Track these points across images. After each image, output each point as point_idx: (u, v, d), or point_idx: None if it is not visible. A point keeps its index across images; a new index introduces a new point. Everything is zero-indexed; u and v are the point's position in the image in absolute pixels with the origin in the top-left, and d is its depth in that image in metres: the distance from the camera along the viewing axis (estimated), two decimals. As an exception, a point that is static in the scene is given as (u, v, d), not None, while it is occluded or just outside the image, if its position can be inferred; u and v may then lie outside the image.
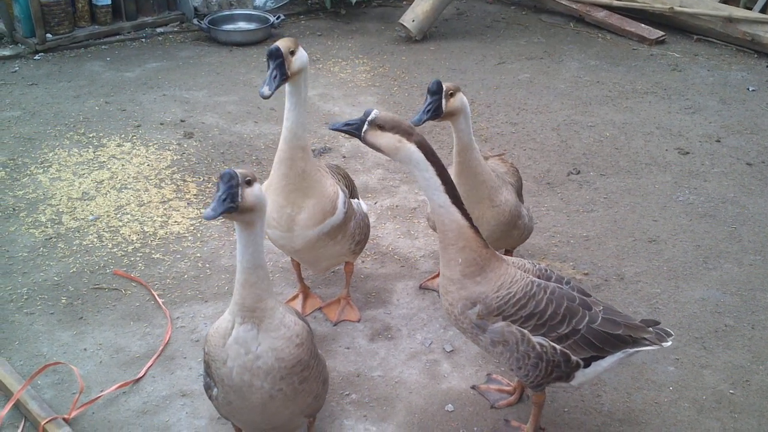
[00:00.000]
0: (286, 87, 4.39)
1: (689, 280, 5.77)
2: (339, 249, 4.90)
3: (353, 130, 3.71)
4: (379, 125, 3.67)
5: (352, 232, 4.89)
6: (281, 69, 4.20)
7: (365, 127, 3.68)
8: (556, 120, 8.33)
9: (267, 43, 4.29)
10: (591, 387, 4.75)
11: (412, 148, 3.64)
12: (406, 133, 3.65)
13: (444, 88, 4.46)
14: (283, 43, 4.24)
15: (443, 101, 4.48)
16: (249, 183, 3.24)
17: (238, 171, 3.22)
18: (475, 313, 3.85)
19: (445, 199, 3.73)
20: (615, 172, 7.30)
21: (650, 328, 4.08)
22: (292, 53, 4.25)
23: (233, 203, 3.16)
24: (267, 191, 4.70)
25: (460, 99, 4.57)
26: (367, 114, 3.69)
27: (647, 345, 4.04)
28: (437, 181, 3.69)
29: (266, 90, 4.17)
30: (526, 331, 3.85)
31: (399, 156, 3.68)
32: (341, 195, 4.73)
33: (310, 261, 5.04)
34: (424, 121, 4.49)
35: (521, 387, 4.64)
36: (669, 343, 4.09)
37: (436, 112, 4.49)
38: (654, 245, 6.18)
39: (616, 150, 7.71)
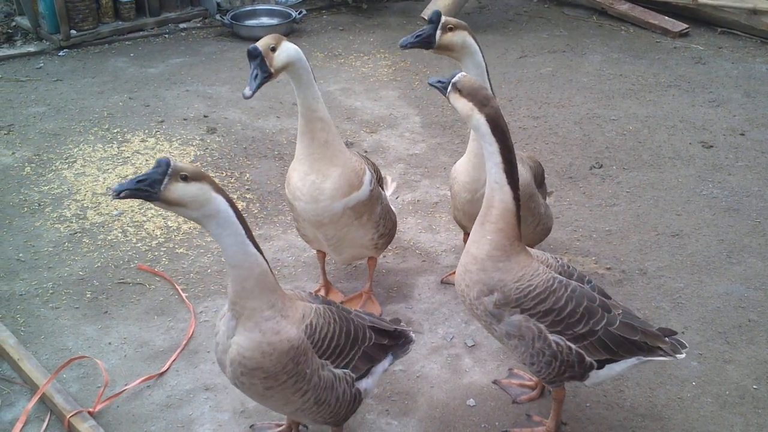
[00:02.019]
0: (290, 79, 4.42)
1: (713, 275, 5.73)
2: (363, 234, 4.90)
3: (441, 88, 3.87)
4: (459, 89, 3.76)
5: (377, 220, 4.90)
6: (262, 67, 4.21)
7: (449, 88, 3.81)
8: (578, 114, 8.30)
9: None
10: (613, 382, 4.74)
11: (481, 120, 3.70)
12: (480, 104, 3.70)
13: (443, 20, 4.51)
14: (261, 41, 4.25)
15: (437, 32, 4.53)
16: (185, 179, 3.10)
17: (178, 164, 3.12)
18: (491, 301, 3.85)
19: (501, 177, 3.76)
20: (638, 165, 7.26)
21: (666, 338, 4.06)
22: (273, 49, 4.24)
23: (152, 189, 3.05)
24: (294, 164, 4.73)
25: (462, 37, 4.57)
26: (453, 76, 3.80)
27: (662, 355, 4.02)
28: (498, 158, 3.73)
29: (247, 90, 4.19)
30: (543, 327, 3.84)
31: (470, 123, 3.79)
32: (368, 173, 4.76)
33: (334, 243, 4.99)
34: (409, 45, 4.57)
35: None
36: (683, 355, 4.06)
37: (426, 40, 4.55)
38: (677, 239, 6.15)
39: (639, 144, 7.67)
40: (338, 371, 3.75)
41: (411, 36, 4.59)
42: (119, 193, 3.04)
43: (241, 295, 3.44)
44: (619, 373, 4.07)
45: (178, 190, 3.10)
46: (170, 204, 3.14)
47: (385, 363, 4.09)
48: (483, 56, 4.70)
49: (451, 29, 4.54)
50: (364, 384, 3.93)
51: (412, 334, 4.24)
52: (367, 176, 4.74)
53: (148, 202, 3.37)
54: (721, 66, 9.49)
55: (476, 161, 4.90)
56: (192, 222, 6.27)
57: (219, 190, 3.24)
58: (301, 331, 3.57)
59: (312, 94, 4.47)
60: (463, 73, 3.81)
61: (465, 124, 7.85)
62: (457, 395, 4.69)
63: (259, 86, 4.21)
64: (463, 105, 3.75)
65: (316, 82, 4.50)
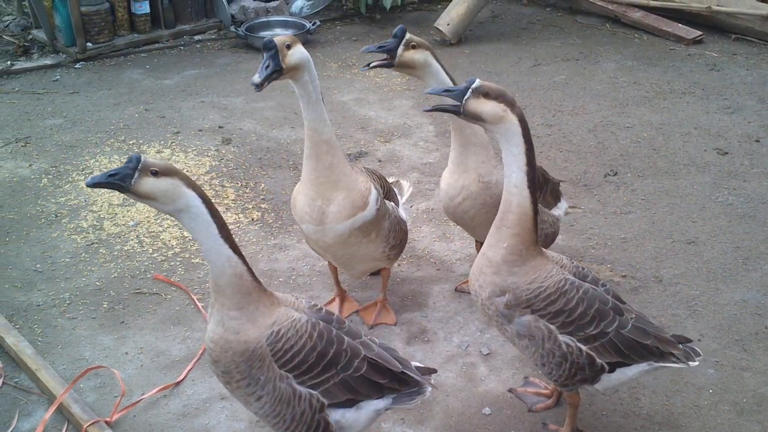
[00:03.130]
0: (296, 89, 4.44)
1: (729, 282, 5.71)
2: (373, 250, 4.91)
3: (455, 96, 3.73)
4: (484, 93, 3.68)
5: (387, 234, 4.90)
6: (274, 60, 4.22)
7: (468, 94, 3.70)
8: (592, 121, 8.29)
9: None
10: (629, 390, 4.73)
11: (514, 120, 3.68)
12: (511, 104, 3.68)
13: (407, 37, 4.57)
14: (278, 37, 4.28)
15: (400, 48, 4.58)
16: (156, 174, 3.25)
17: (149, 160, 3.26)
18: (503, 302, 3.85)
19: (522, 181, 3.74)
20: (653, 173, 7.25)
21: (680, 345, 4.04)
22: (288, 47, 4.26)
23: (122, 183, 3.22)
24: (300, 187, 4.77)
25: (424, 57, 4.61)
26: (470, 82, 3.72)
27: (674, 362, 4.00)
28: (523, 160, 3.72)
29: (256, 77, 4.21)
30: (553, 328, 3.84)
31: (500, 125, 3.69)
32: (373, 192, 4.76)
33: (345, 261, 5.04)
34: (372, 52, 4.63)
35: (559, 390, 4.63)
36: (696, 363, 4.03)
37: (389, 52, 4.60)
38: (693, 247, 6.13)
39: (653, 151, 7.65)
40: (302, 389, 3.59)
41: (373, 45, 4.66)
42: (93, 185, 3.25)
43: (215, 288, 3.55)
44: (631, 378, 4.05)
45: (149, 184, 3.26)
46: (141, 197, 3.30)
47: (378, 402, 3.81)
48: (450, 76, 4.73)
49: (414, 47, 4.59)
50: (343, 415, 3.72)
51: (429, 389, 3.93)
52: (373, 195, 4.74)
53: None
54: (736, 73, 9.46)
55: (453, 168, 4.96)
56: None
57: (192, 186, 3.34)
58: (263, 337, 3.53)
59: (318, 116, 4.49)
60: (479, 79, 3.75)
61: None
62: (472, 404, 4.69)
63: (268, 77, 4.21)
64: (492, 107, 3.66)
65: (325, 103, 4.53)
